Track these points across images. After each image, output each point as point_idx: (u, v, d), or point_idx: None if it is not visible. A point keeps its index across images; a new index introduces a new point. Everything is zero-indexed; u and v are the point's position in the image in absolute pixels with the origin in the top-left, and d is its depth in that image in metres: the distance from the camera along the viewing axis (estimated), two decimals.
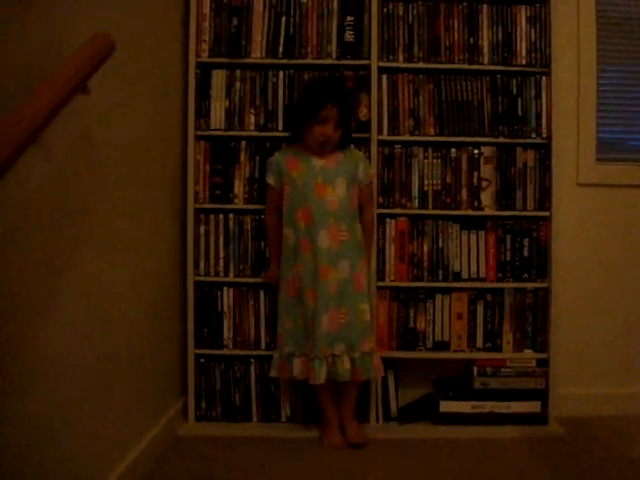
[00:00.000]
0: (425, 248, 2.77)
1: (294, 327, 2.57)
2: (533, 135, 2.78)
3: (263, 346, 2.76)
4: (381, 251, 2.75)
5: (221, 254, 2.75)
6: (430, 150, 2.76)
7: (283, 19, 2.74)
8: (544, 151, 2.77)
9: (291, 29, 2.74)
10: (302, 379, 2.56)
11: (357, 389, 2.63)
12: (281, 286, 2.63)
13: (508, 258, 2.78)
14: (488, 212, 2.78)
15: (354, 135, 2.69)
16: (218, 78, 2.74)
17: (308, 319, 2.52)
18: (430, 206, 2.77)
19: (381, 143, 2.74)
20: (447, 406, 2.76)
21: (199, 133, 2.74)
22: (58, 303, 1.63)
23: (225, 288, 2.76)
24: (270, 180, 2.64)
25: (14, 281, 1.43)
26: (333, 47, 2.74)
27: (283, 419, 2.78)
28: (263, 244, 2.74)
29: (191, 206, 2.72)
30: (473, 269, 2.78)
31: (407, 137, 2.76)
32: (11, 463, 1.42)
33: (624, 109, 3.11)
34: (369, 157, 2.71)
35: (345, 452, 2.50)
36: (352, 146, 2.67)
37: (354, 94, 2.72)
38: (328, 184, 2.53)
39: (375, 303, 2.73)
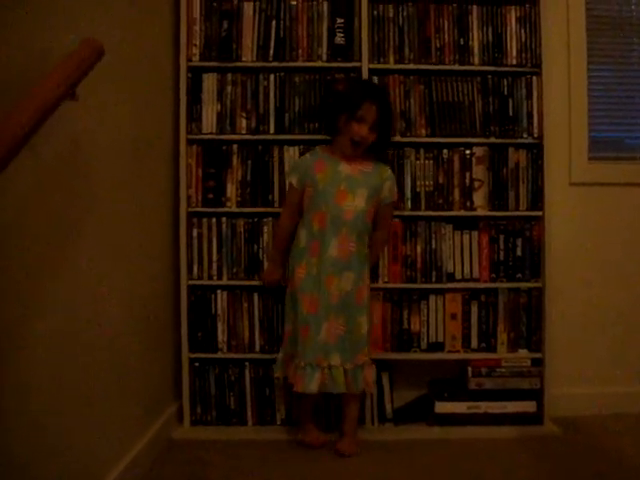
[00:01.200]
0: (418, 249, 2.77)
1: (294, 329, 2.55)
2: (525, 135, 2.79)
3: (258, 349, 2.76)
4: None
5: (214, 257, 2.75)
6: (422, 151, 2.76)
7: (273, 22, 2.74)
8: (536, 151, 2.78)
9: (281, 32, 2.74)
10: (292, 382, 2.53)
11: (357, 402, 2.61)
12: (288, 286, 2.63)
13: (501, 258, 2.79)
14: (481, 212, 2.79)
15: None
16: (209, 82, 2.75)
17: (299, 324, 2.50)
18: (423, 207, 2.77)
19: None
20: (442, 407, 2.76)
21: (191, 137, 2.74)
22: (50, 307, 1.63)
23: (219, 291, 2.76)
24: (293, 180, 2.61)
25: (3, 287, 1.42)
26: (324, 50, 2.75)
27: (278, 422, 2.77)
28: (256, 247, 2.75)
29: (184, 210, 2.72)
30: (466, 270, 2.79)
31: (399, 138, 2.75)
32: (3, 469, 1.42)
33: (615, 107, 3.12)
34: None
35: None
36: (382, 164, 2.63)
37: None
38: (349, 192, 2.51)
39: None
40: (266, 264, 2.74)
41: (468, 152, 2.78)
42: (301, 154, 2.72)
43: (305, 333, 2.47)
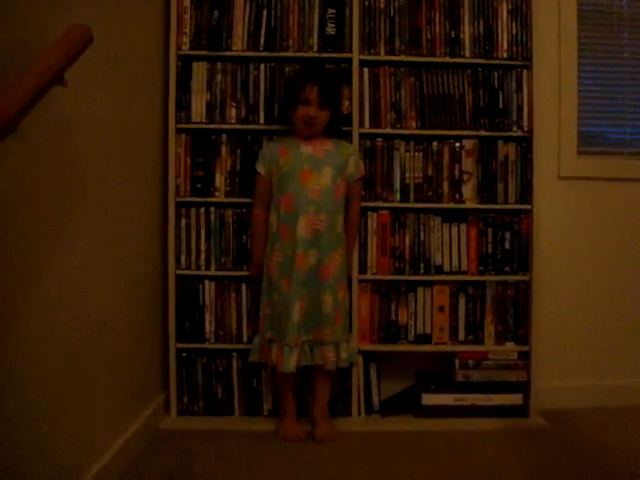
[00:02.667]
0: (407, 241, 2.77)
1: (271, 313, 2.58)
2: (514, 128, 2.79)
3: (245, 339, 2.75)
4: (363, 244, 2.75)
5: (202, 247, 2.74)
6: (412, 143, 2.76)
7: (264, 11, 2.72)
8: (525, 144, 2.78)
9: (272, 22, 2.73)
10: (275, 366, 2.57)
11: (329, 384, 2.65)
12: (264, 271, 2.63)
13: (490, 251, 2.79)
14: (469, 205, 2.79)
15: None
16: (199, 71, 2.73)
17: (282, 307, 2.53)
18: (412, 199, 2.77)
19: (363, 136, 2.74)
20: (429, 399, 2.77)
21: (180, 126, 2.72)
22: (36, 297, 1.62)
23: (206, 282, 2.75)
24: (260, 168, 2.65)
25: None
26: (314, 40, 2.73)
27: (265, 413, 2.77)
28: (244, 237, 2.74)
29: (172, 199, 2.71)
30: (455, 262, 2.79)
31: (389, 130, 2.76)
32: None
33: (605, 102, 3.12)
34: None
35: (327, 445, 2.50)
36: (344, 142, 2.68)
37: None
38: (314, 172, 2.54)
39: (357, 296, 2.73)
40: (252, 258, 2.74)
41: (458, 145, 2.78)
42: None
43: (286, 315, 2.50)
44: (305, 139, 2.59)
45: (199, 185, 2.74)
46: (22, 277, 1.56)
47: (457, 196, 2.78)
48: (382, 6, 2.74)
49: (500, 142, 2.78)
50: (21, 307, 1.55)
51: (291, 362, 2.48)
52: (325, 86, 2.55)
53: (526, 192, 2.78)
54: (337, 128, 2.67)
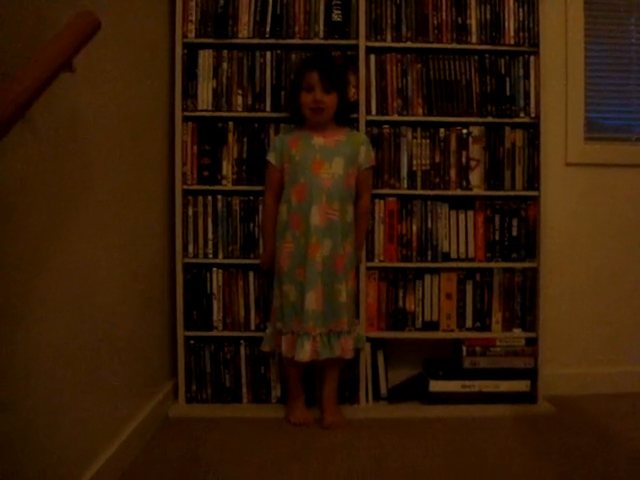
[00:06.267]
0: (414, 228, 2.77)
1: (281, 304, 2.58)
2: (521, 115, 2.78)
3: (253, 327, 2.76)
4: (370, 232, 2.75)
5: (210, 236, 2.74)
6: (419, 130, 2.75)
7: None
8: (532, 131, 2.77)
9: (278, 9, 2.72)
10: (287, 357, 2.56)
11: (338, 371, 2.66)
12: (275, 262, 2.63)
13: (497, 238, 2.79)
14: (477, 192, 2.78)
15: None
16: (205, 58, 2.72)
17: (297, 297, 2.53)
18: (419, 186, 2.76)
19: (369, 123, 2.73)
20: (437, 386, 2.77)
21: (186, 114, 2.72)
22: (44, 286, 1.62)
23: (214, 269, 2.75)
24: (271, 158, 2.64)
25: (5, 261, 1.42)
26: (320, 27, 2.72)
27: (273, 400, 2.78)
28: (252, 225, 2.74)
29: (179, 188, 2.71)
30: (462, 249, 2.79)
31: (395, 117, 2.75)
32: None
33: (612, 88, 3.11)
34: None
35: (335, 432, 2.51)
36: (356, 131, 2.69)
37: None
38: (325, 161, 2.54)
39: (364, 283, 2.73)
40: (262, 248, 2.73)
41: (465, 131, 2.77)
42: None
43: (301, 304, 2.51)
44: (316, 129, 2.59)
45: (206, 173, 2.73)
46: (30, 267, 1.56)
47: (464, 183, 2.78)
48: None
49: (507, 129, 2.77)
50: (29, 296, 1.55)
51: (304, 351, 2.48)
52: (326, 70, 2.54)
53: (533, 179, 2.78)
54: (345, 115, 2.66)
